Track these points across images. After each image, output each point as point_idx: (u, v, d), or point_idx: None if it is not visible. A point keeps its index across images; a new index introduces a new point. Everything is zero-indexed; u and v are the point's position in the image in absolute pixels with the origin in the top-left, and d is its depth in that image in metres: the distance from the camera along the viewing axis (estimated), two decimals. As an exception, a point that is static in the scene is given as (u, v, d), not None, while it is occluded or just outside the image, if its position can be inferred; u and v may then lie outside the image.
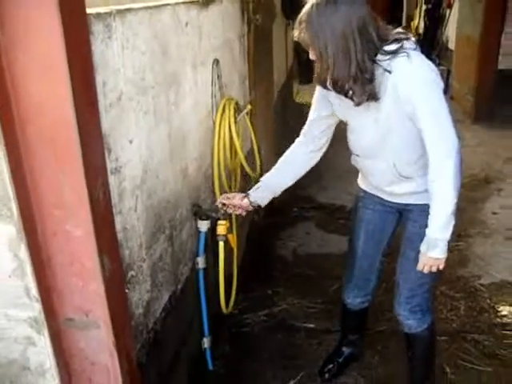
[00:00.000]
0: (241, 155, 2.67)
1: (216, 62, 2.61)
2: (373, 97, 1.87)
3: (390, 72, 1.83)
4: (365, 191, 2.35)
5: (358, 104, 1.90)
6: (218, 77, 2.65)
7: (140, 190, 1.75)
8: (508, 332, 3.00)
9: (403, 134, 1.97)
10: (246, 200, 2.30)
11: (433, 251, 1.98)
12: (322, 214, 4.57)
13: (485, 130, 6.71)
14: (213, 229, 2.45)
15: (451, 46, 8.48)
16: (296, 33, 1.85)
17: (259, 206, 2.35)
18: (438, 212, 1.94)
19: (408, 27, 13.02)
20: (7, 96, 1.26)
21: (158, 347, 1.99)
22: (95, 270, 1.46)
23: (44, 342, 1.51)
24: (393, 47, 1.83)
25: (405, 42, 1.85)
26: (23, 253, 1.39)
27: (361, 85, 1.83)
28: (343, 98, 1.94)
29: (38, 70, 1.24)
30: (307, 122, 2.26)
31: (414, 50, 1.87)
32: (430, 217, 1.96)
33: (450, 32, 8.55)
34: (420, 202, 2.12)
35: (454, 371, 2.73)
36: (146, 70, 1.75)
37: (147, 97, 1.77)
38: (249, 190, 2.34)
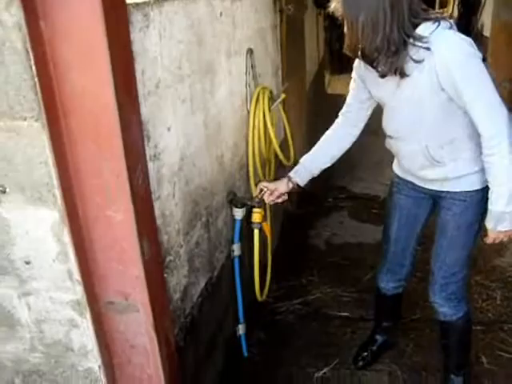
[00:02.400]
0: (275, 144, 2.69)
1: (250, 51, 2.63)
2: (399, 71, 1.87)
3: (427, 49, 1.82)
4: (399, 177, 2.35)
5: (382, 75, 1.91)
6: (251, 66, 2.67)
7: (177, 176, 1.79)
8: (545, 322, 2.97)
9: (437, 114, 1.95)
10: (290, 185, 2.33)
11: (502, 225, 1.97)
12: (356, 204, 4.57)
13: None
14: (247, 216, 2.48)
15: (487, 33, 8.31)
16: (332, 4, 1.88)
17: (298, 186, 2.36)
18: (499, 185, 1.92)
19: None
20: (51, 86, 1.30)
21: (194, 332, 2.03)
22: (135, 254, 1.50)
23: (86, 324, 1.57)
24: (429, 26, 1.83)
25: (441, 21, 1.85)
26: (66, 237, 1.44)
27: (385, 56, 1.84)
28: (378, 78, 1.96)
29: (80, 61, 1.28)
30: (345, 104, 2.28)
31: (450, 28, 1.86)
32: (491, 192, 1.95)
33: (486, 18, 8.38)
34: (453, 190, 2.11)
35: (490, 361, 2.71)
36: (183, 58, 1.78)
37: (184, 85, 1.80)
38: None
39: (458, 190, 2.08)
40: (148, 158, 1.54)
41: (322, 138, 2.36)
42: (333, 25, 9.31)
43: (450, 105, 1.91)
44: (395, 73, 1.88)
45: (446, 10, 11.21)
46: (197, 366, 2.11)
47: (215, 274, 2.27)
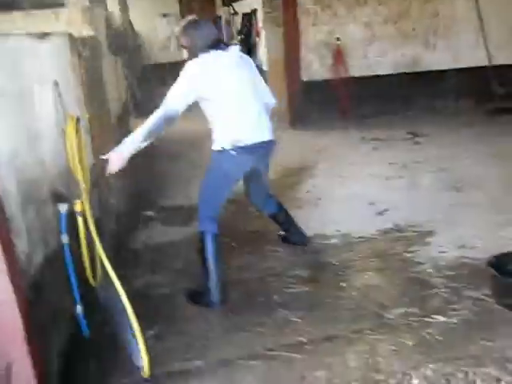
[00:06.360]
0: (71, 162, 3.02)
1: (56, 83, 3.16)
2: None
3: None
4: None
5: None
6: (58, 96, 3.22)
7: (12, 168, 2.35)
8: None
9: None
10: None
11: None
12: (165, 214, 5.39)
13: (299, 131, 8.38)
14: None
15: (265, 67, 9.69)
16: (180, 39, 3.65)
17: None
18: None
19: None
20: None
21: (38, 298, 2.48)
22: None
23: None
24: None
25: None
26: None
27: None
28: None
29: None
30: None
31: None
32: None
33: (263, 56, 9.80)
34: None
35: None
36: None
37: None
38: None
39: None
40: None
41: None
42: (132, 74, 10.01)
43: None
44: None
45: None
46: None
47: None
